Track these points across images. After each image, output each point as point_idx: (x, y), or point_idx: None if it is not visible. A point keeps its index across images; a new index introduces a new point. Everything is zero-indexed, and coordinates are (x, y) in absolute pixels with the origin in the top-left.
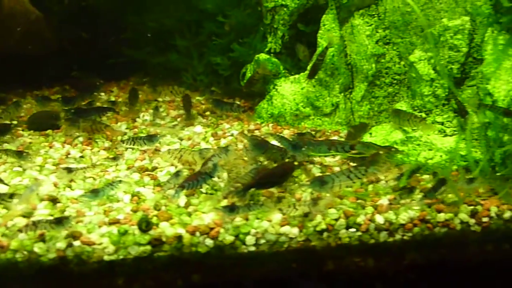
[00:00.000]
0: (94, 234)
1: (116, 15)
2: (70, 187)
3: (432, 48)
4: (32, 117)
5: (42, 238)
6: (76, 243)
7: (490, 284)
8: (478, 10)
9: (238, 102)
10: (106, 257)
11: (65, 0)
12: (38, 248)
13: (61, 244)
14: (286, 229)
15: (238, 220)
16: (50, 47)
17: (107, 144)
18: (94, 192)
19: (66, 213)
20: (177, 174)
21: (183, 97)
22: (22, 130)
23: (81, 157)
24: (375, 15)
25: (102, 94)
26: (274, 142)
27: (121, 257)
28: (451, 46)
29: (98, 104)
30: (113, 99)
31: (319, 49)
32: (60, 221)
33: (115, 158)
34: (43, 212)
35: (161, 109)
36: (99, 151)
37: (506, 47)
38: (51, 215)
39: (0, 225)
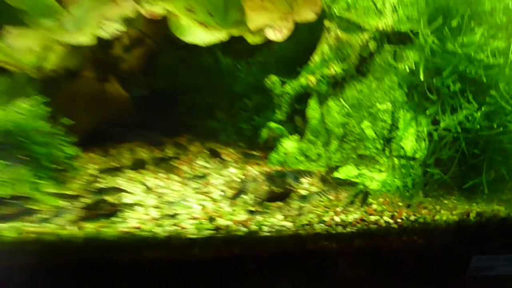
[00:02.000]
0: (184, 223)
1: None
2: None
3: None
4: None
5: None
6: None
7: (403, 258)
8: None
9: (256, 153)
10: (191, 236)
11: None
12: None
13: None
14: (285, 223)
15: (260, 218)
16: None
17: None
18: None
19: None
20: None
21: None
22: None
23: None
24: (340, 100)
25: None
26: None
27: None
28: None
29: None
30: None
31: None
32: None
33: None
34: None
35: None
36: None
37: None
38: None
39: None
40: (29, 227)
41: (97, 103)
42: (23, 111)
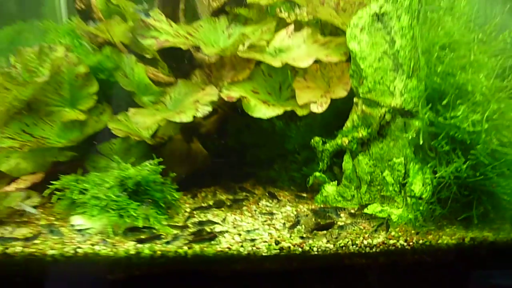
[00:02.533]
0: (259, 245)
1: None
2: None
3: None
4: None
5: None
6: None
7: (414, 271)
8: None
9: (305, 195)
10: (264, 254)
11: (220, 141)
12: None
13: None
14: (328, 245)
15: (311, 242)
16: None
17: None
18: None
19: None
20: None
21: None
22: None
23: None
24: (367, 155)
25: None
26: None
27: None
28: (398, 169)
29: None
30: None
31: (345, 170)
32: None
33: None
34: None
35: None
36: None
37: None
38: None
39: None
40: (158, 247)
41: (186, 158)
42: (148, 168)
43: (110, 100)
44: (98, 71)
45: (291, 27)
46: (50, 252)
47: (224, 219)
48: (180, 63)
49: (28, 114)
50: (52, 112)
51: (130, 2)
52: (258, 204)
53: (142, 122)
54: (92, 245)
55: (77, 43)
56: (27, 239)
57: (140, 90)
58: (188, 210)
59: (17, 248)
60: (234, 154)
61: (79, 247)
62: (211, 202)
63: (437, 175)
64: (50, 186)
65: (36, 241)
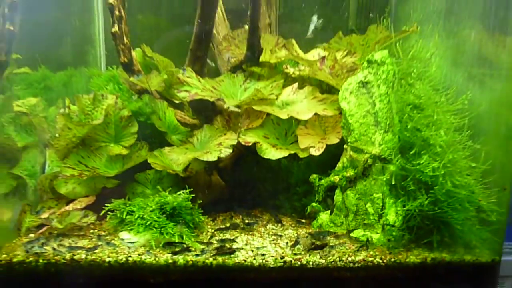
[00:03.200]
0: (267, 259)
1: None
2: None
3: None
4: None
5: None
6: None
7: (388, 283)
8: None
9: (304, 220)
10: (271, 266)
11: (235, 175)
12: None
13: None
14: (321, 260)
15: (308, 257)
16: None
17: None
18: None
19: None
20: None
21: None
22: None
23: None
24: (354, 190)
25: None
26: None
27: (275, 266)
28: (377, 202)
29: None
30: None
31: (336, 202)
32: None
33: (272, 234)
34: None
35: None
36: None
37: None
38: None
39: None
40: (189, 258)
41: (207, 188)
42: (182, 196)
43: (147, 138)
44: (138, 115)
45: (296, 85)
46: (107, 259)
47: (239, 238)
48: (203, 108)
49: (83, 148)
50: (101, 147)
51: (165, 58)
52: (266, 227)
53: (176, 159)
54: (139, 255)
55: (117, 87)
56: (89, 249)
57: (170, 130)
58: (210, 230)
59: (82, 255)
60: (246, 186)
61: (130, 256)
62: (228, 225)
63: (405, 208)
64: (105, 208)
65: (96, 251)
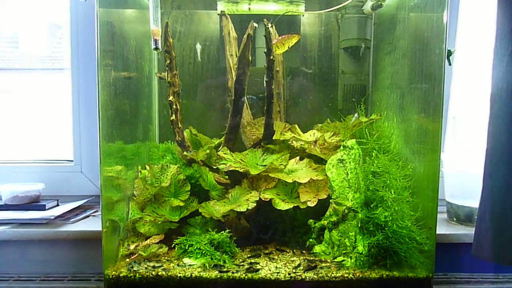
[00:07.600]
0: (279, 275)
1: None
2: None
3: None
4: None
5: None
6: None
7: None
8: None
9: (304, 251)
10: (283, 279)
11: (256, 219)
12: None
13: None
14: (314, 276)
15: (306, 274)
16: None
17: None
18: (277, 268)
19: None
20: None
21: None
22: None
23: None
24: (337, 230)
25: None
26: None
27: (285, 279)
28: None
29: None
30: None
31: (325, 238)
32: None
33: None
34: None
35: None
36: None
37: None
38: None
39: None
40: (230, 274)
41: (236, 228)
42: (224, 234)
43: (196, 194)
44: (190, 178)
45: (298, 158)
46: (179, 274)
47: (261, 262)
48: (233, 172)
49: (154, 201)
50: (165, 201)
51: (206, 136)
52: (278, 256)
53: (219, 209)
54: (198, 272)
55: (171, 157)
56: (166, 268)
57: (211, 188)
58: (242, 257)
59: (162, 272)
60: (264, 227)
61: (192, 273)
62: (253, 253)
63: (369, 241)
64: (173, 242)
65: (170, 269)
